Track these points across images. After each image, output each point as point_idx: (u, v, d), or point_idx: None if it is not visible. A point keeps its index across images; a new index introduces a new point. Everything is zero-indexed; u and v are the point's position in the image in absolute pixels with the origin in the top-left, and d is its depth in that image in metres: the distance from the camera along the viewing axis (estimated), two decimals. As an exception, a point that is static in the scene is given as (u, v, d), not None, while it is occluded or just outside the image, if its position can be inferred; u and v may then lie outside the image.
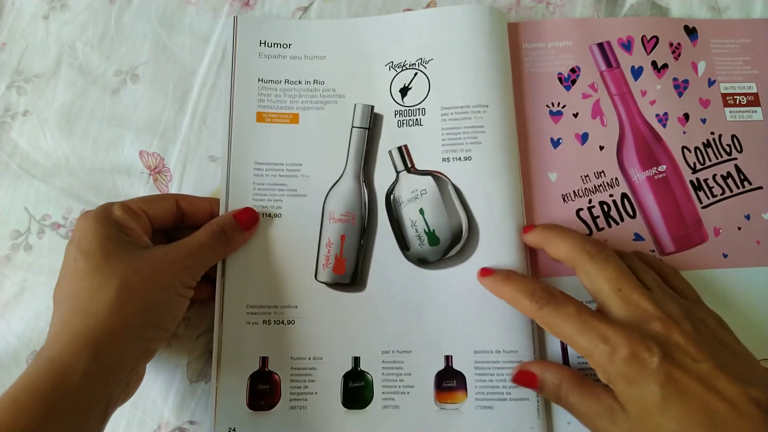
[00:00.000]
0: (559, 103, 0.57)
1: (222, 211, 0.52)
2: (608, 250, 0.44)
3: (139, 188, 0.55)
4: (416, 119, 0.55)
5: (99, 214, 0.45)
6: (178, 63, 0.58)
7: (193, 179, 0.55)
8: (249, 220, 0.51)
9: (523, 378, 0.47)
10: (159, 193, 0.55)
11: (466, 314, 0.50)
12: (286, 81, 0.56)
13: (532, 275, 0.51)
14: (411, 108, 0.55)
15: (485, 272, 0.49)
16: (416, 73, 0.56)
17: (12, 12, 0.59)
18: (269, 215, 0.52)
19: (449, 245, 0.51)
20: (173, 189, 0.55)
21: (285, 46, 0.57)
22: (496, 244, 0.51)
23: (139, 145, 0.56)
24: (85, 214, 0.45)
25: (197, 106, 0.57)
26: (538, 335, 0.50)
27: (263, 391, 0.49)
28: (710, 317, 0.44)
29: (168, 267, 0.44)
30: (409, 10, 0.60)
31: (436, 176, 0.53)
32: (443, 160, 0.53)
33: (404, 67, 0.56)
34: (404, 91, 0.56)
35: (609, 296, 0.43)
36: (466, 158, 0.53)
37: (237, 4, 0.60)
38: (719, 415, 0.36)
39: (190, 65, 0.58)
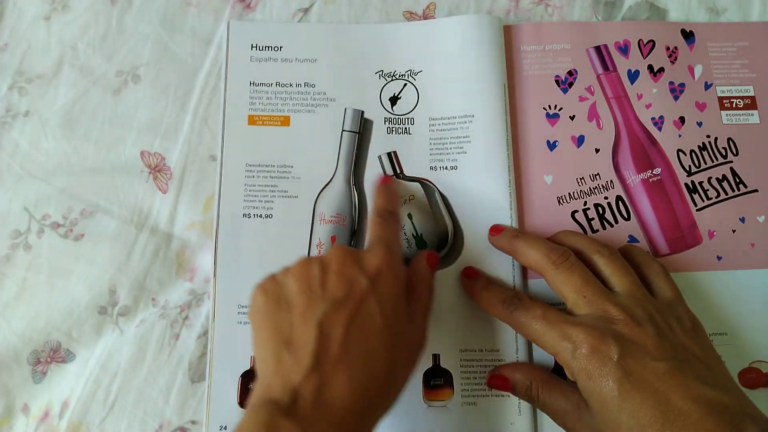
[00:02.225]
0: (555, 106, 0.57)
1: None
2: (572, 259, 0.46)
3: (138, 187, 0.55)
4: (405, 128, 0.55)
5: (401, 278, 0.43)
6: (180, 64, 0.59)
7: (194, 177, 0.56)
8: (436, 265, 0.50)
9: (497, 382, 0.48)
10: (159, 191, 0.55)
11: (452, 314, 0.51)
12: (278, 83, 0.56)
13: (521, 277, 0.52)
14: (400, 117, 0.56)
15: (469, 273, 0.51)
16: (405, 84, 0.56)
17: (14, 13, 0.60)
18: (260, 216, 0.53)
19: (435, 250, 0.52)
20: (173, 187, 0.55)
21: (276, 48, 0.57)
22: (483, 250, 0.52)
23: (141, 146, 0.56)
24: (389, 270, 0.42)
25: (198, 106, 0.57)
26: (518, 334, 0.50)
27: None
28: (684, 320, 0.44)
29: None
30: (409, 12, 0.60)
31: (424, 183, 0.54)
32: (431, 168, 0.54)
33: (394, 77, 0.57)
34: (394, 100, 0.56)
35: (575, 302, 0.44)
36: (452, 167, 0.54)
37: (238, 6, 0.60)
38: (673, 412, 0.37)
39: (192, 66, 0.59)
